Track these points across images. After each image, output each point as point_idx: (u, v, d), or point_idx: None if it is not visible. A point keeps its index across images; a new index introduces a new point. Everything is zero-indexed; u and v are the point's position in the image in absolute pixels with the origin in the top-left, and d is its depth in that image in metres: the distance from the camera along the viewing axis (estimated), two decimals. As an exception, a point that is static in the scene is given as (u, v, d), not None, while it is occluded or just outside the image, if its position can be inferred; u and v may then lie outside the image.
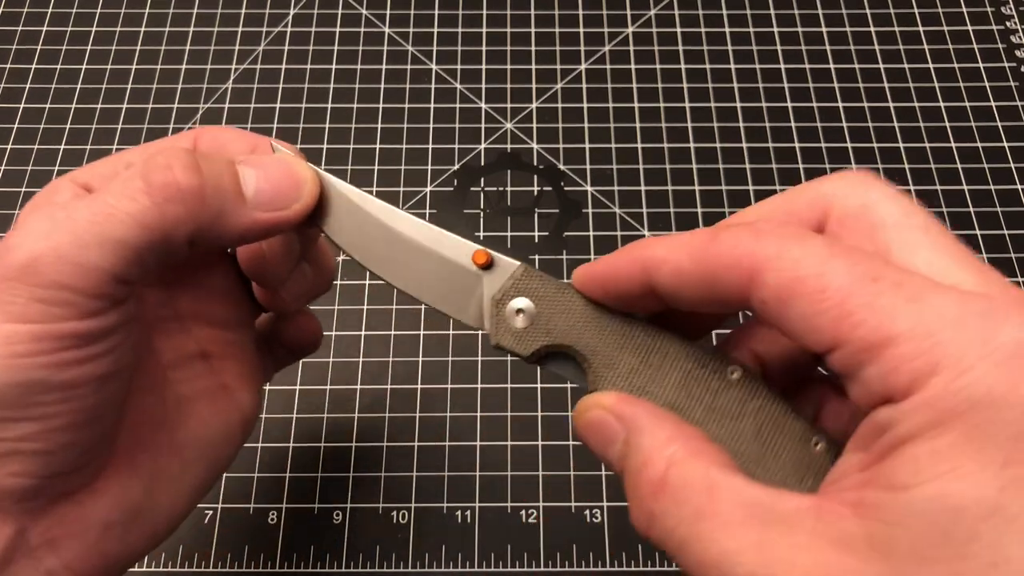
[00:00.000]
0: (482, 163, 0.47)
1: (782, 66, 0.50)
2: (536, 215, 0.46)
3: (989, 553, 0.15)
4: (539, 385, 0.41)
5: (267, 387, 0.40)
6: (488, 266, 0.23)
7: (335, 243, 0.24)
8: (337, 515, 0.38)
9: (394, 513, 0.38)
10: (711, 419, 0.20)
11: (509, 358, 0.41)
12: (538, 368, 0.40)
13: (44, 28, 0.52)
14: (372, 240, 0.23)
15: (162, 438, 0.25)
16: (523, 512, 0.38)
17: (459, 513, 0.38)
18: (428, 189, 0.46)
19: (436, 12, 0.53)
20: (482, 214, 0.46)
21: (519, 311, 0.22)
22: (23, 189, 0.46)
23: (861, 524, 0.16)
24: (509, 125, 0.49)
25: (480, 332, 0.23)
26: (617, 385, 0.21)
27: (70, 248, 0.20)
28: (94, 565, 0.23)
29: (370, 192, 0.24)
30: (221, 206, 0.22)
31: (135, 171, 0.21)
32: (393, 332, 0.42)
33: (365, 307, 0.43)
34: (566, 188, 0.46)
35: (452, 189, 0.46)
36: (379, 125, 0.48)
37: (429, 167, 0.47)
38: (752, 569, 0.16)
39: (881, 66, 0.50)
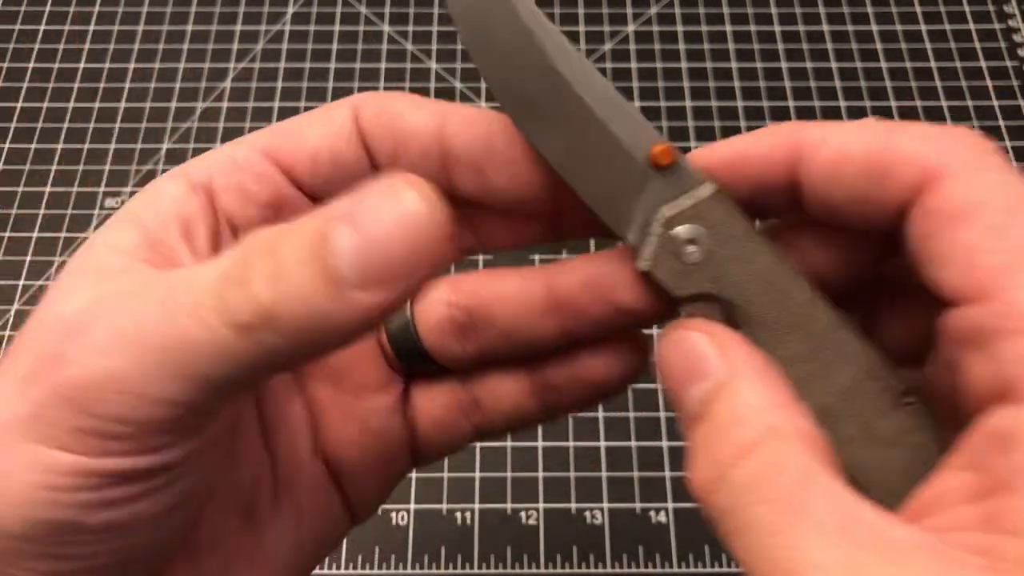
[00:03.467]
0: (482, 162, 0.47)
1: (783, 65, 0.50)
2: (536, 215, 0.45)
3: None
4: (539, 386, 0.40)
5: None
6: (666, 168, 0.18)
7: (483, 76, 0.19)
8: (336, 517, 0.38)
9: (394, 515, 0.37)
10: (864, 441, 0.17)
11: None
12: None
13: (42, 27, 0.52)
14: (531, 85, 0.18)
15: (246, 544, 0.20)
16: (523, 513, 0.38)
17: (459, 514, 0.37)
18: (428, 188, 0.46)
19: (436, 11, 0.52)
20: (482, 214, 0.45)
21: (691, 241, 0.17)
22: (20, 188, 0.46)
23: None
24: (509, 124, 0.48)
25: (622, 243, 0.18)
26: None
27: (134, 375, 0.15)
28: None
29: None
30: (316, 323, 0.15)
31: (223, 278, 0.15)
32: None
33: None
34: (566, 187, 0.46)
35: (452, 188, 0.46)
36: (378, 124, 0.48)
37: (429, 166, 0.47)
38: None
39: (883, 65, 0.50)
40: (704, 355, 0.16)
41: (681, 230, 0.17)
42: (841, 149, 0.17)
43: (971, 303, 0.15)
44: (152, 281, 0.16)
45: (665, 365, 0.17)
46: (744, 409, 0.16)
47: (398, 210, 0.15)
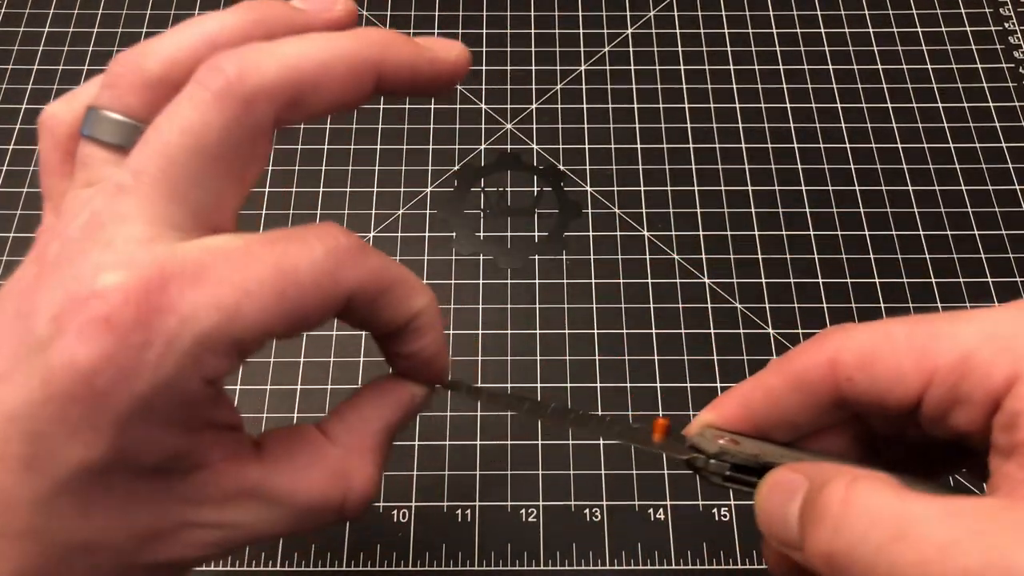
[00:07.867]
0: (482, 163, 0.47)
1: (781, 67, 0.51)
2: (536, 215, 0.46)
3: None
4: (539, 385, 0.41)
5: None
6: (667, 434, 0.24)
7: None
8: (338, 514, 0.38)
9: (394, 512, 0.38)
10: None
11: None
12: (537, 371, 0.41)
13: (46, 29, 0.52)
14: None
15: None
16: (523, 511, 0.38)
17: (459, 512, 0.38)
18: (428, 189, 0.47)
19: (436, 13, 0.53)
20: (482, 214, 0.46)
21: (707, 442, 0.23)
22: (25, 189, 0.46)
23: None
24: (509, 126, 0.49)
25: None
26: None
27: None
28: None
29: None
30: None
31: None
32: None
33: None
34: (566, 188, 0.47)
35: (452, 189, 0.47)
36: (379, 125, 0.49)
37: (429, 167, 0.47)
38: (985, 556, 0.15)
39: (879, 67, 0.51)
40: (788, 479, 0.20)
41: (702, 438, 0.23)
42: (769, 388, 0.23)
43: (923, 394, 0.20)
44: None
45: (763, 509, 0.20)
46: (827, 480, 0.19)
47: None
